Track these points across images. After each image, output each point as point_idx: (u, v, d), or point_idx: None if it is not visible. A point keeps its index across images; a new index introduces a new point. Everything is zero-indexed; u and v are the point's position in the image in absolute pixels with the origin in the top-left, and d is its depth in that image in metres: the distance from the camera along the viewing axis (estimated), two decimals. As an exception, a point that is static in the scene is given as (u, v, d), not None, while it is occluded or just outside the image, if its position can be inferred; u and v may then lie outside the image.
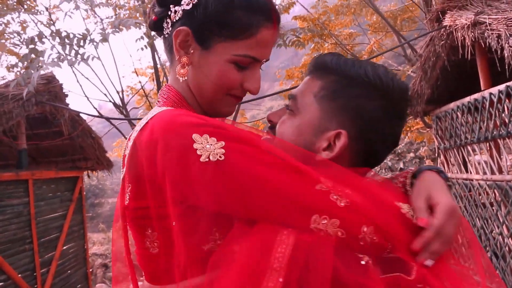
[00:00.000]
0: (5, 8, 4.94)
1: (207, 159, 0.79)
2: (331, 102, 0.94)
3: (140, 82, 10.60)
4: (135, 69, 10.57)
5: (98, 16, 7.59)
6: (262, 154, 0.82)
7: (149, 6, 1.11)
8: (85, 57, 3.83)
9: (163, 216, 0.87)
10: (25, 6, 5.95)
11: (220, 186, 0.79)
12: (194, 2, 0.95)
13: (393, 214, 0.83)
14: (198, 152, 0.79)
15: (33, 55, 3.59)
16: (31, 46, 3.73)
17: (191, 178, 0.80)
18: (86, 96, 5.68)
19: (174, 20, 0.98)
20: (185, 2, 0.95)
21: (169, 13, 0.98)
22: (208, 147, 0.79)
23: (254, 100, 7.35)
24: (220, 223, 0.83)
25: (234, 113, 7.45)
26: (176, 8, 0.96)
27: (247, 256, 0.77)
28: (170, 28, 0.99)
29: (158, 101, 1.06)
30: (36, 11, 5.63)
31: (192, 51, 0.97)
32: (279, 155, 0.83)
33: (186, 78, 0.99)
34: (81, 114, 6.73)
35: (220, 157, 0.79)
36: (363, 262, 0.78)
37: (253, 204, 0.79)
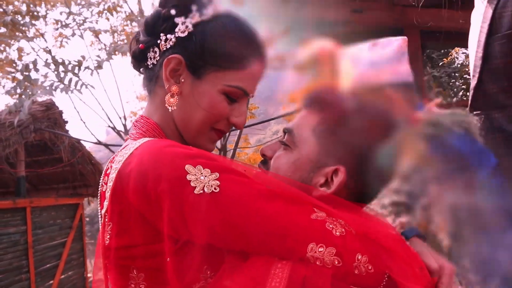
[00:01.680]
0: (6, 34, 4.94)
1: (201, 191, 0.77)
2: (329, 137, 0.92)
3: (142, 108, 10.59)
4: (138, 94, 10.61)
5: (102, 42, 7.61)
6: (256, 185, 0.81)
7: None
8: (79, 86, 3.79)
9: (152, 254, 0.83)
10: (28, 34, 5.95)
11: (215, 218, 0.77)
12: (190, 30, 0.94)
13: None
14: (192, 184, 0.77)
15: (26, 83, 3.55)
16: (26, 73, 3.71)
17: (184, 211, 0.78)
18: (83, 121, 5.66)
19: (164, 49, 0.96)
20: (179, 29, 0.94)
21: (158, 41, 0.97)
22: (203, 179, 0.78)
23: (257, 124, 7.31)
24: (212, 260, 0.81)
25: (236, 139, 7.40)
26: (168, 36, 0.95)
27: None
28: (158, 57, 0.97)
29: (131, 133, 1.01)
30: (32, 37, 5.62)
31: (183, 80, 0.95)
32: (274, 187, 0.83)
33: (175, 108, 0.97)
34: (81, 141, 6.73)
35: (215, 188, 0.77)
36: None
37: (249, 235, 0.77)
